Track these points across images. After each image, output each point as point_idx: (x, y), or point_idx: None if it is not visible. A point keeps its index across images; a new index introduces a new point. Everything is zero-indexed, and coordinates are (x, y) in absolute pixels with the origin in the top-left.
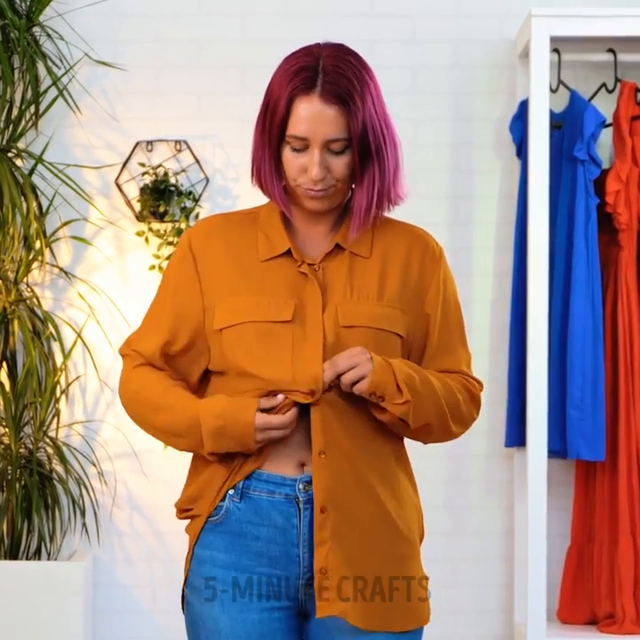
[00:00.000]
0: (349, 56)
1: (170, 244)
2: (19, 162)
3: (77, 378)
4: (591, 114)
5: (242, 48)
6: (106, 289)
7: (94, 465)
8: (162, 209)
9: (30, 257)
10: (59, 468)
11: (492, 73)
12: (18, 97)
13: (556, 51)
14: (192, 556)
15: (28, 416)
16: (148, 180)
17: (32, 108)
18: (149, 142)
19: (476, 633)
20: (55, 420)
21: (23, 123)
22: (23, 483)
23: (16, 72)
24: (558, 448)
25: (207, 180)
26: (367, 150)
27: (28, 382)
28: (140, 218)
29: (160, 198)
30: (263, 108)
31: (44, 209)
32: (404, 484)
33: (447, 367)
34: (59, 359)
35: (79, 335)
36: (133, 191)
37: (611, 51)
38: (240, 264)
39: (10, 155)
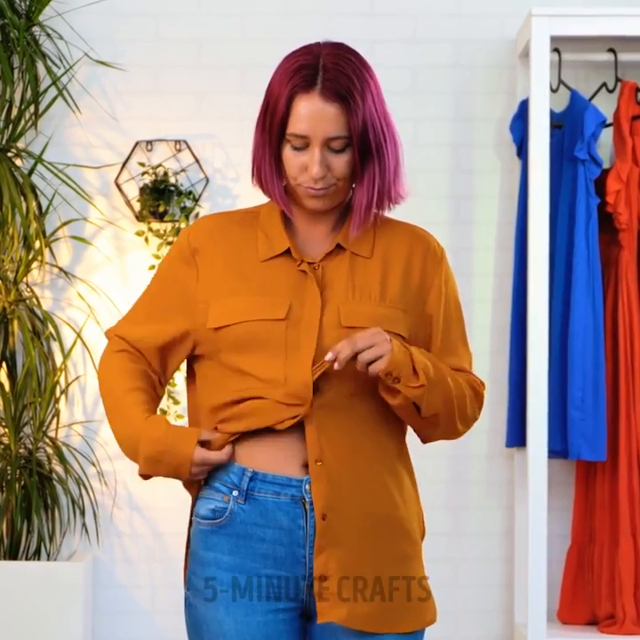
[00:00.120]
0: (350, 54)
1: (169, 243)
2: (18, 161)
3: (77, 378)
4: (592, 113)
5: (242, 48)
6: (105, 289)
7: (94, 465)
8: (161, 209)
9: (30, 257)
10: (58, 469)
11: (493, 73)
12: (17, 97)
13: (556, 50)
14: (196, 558)
15: (28, 416)
16: (147, 179)
17: (31, 108)
18: (149, 142)
19: (476, 633)
20: (55, 421)
21: (23, 122)
22: (23, 483)
23: (16, 72)
24: (559, 448)
25: (207, 180)
26: (367, 148)
27: (27, 382)
28: (139, 218)
29: (160, 198)
30: (263, 107)
31: (44, 209)
32: (406, 482)
33: (450, 367)
34: (58, 359)
35: (79, 335)
36: (133, 191)
37: (611, 50)
38: (239, 264)
39: (9, 154)
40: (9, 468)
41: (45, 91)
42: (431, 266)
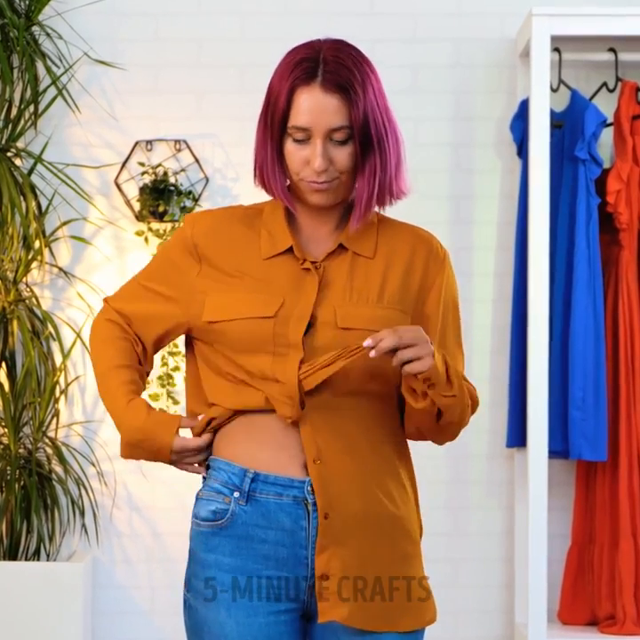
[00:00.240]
0: (350, 48)
1: None
2: (18, 161)
3: (77, 378)
4: (592, 113)
5: (242, 47)
6: (105, 289)
7: (94, 465)
8: (161, 208)
9: (29, 257)
10: (58, 469)
11: (493, 72)
12: (17, 96)
13: (556, 50)
14: (196, 559)
15: (28, 416)
16: (147, 179)
17: (31, 108)
18: (149, 142)
19: (476, 633)
20: (54, 421)
21: (22, 122)
22: (22, 483)
23: (15, 71)
24: (560, 448)
25: (207, 180)
26: (369, 140)
27: (27, 382)
28: (139, 217)
29: (159, 198)
30: (265, 104)
31: (44, 208)
32: (406, 482)
33: None
34: (58, 359)
35: (78, 335)
36: (133, 191)
37: (611, 50)
38: (240, 261)
39: (9, 154)
40: (8, 468)
41: (45, 90)
42: (433, 267)
